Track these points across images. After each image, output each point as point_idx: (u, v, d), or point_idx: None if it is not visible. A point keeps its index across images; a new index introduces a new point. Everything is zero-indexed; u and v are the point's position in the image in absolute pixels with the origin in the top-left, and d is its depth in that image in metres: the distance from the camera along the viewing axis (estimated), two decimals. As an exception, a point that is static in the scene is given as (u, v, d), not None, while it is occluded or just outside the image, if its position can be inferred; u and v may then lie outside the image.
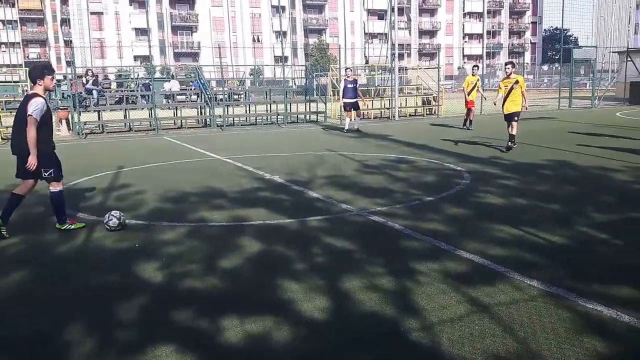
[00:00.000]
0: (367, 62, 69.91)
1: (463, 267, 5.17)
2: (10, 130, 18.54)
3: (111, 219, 6.69)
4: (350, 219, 7.07)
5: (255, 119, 23.79)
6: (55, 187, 6.70)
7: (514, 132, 12.59)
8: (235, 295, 4.73)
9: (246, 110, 24.33)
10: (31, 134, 6.25)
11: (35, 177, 6.60)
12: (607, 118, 21.83)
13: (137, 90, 24.23)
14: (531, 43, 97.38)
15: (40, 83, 6.43)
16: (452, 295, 4.51)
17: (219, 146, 15.33)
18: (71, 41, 40.41)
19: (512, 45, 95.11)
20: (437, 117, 25.06)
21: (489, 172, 10.17)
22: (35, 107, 6.25)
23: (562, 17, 28.47)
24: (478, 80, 18.67)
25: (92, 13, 73.54)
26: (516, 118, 12.58)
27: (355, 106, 18.78)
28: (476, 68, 19.47)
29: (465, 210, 7.35)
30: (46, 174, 6.56)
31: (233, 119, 22.94)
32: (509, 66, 12.69)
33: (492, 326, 3.94)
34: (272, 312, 4.30)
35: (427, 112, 26.58)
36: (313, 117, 24.39)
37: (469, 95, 18.52)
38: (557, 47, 36.50)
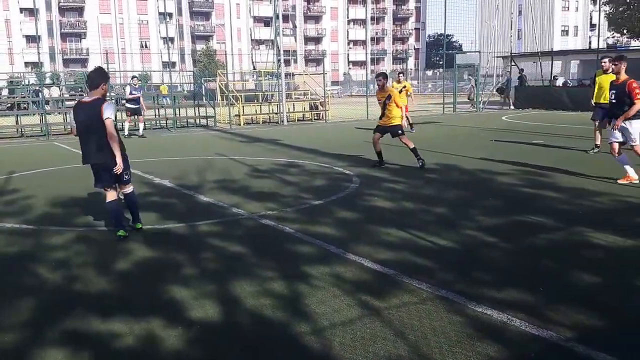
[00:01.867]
0: (254, 67, 69.79)
1: (353, 271, 5.19)
2: None
3: None
4: (241, 223, 6.98)
5: (144, 124, 23.02)
6: (129, 188, 6.61)
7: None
8: (123, 301, 4.57)
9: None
10: (116, 136, 6.16)
11: (115, 183, 6.42)
12: (493, 122, 22.34)
13: (29, 97, 23.61)
14: (415, 49, 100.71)
15: (103, 87, 6.31)
16: (343, 299, 4.51)
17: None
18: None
19: (396, 51, 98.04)
20: (325, 122, 25.37)
21: (377, 176, 10.32)
22: (112, 110, 6.20)
23: (445, 22, 29.43)
24: (404, 86, 18.30)
25: (-20, 20, 69.66)
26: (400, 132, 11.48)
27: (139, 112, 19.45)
28: (401, 75, 19.32)
29: (354, 213, 7.42)
30: (126, 177, 6.45)
31: (122, 123, 22.08)
32: (381, 78, 11.34)
33: (383, 330, 3.96)
34: (161, 318, 4.18)
35: (315, 117, 26.85)
36: (203, 121, 23.96)
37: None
38: (441, 52, 37.70)
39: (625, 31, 34.35)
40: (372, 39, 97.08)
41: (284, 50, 24.14)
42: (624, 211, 7.42)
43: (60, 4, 74.76)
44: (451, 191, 8.95)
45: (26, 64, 68.74)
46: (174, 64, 70.56)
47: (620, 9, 33.57)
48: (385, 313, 4.24)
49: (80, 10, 76.36)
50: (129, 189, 6.59)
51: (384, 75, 11.42)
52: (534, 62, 33.79)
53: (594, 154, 12.26)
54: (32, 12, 68.53)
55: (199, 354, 3.71)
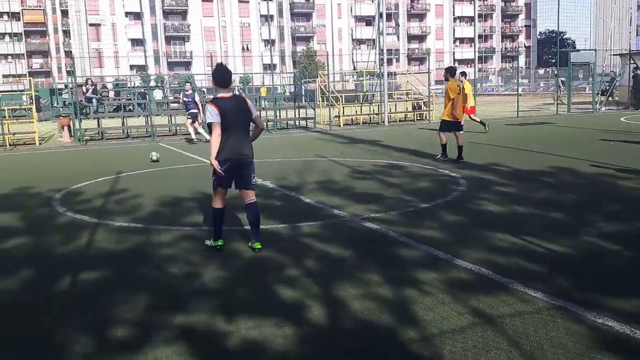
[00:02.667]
0: (355, 68, 69.87)
1: (463, 277, 4.96)
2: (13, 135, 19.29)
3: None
4: (343, 225, 6.89)
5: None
6: (254, 196, 6.09)
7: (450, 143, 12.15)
8: (230, 300, 4.61)
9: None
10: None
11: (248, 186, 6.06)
12: (611, 123, 21.04)
13: (134, 99, 24.72)
14: (525, 47, 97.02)
15: (232, 86, 6.13)
16: (453, 306, 4.30)
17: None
18: (71, 52, 40.89)
19: (505, 49, 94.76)
20: (428, 122, 24.91)
21: (485, 178, 9.93)
22: (254, 106, 6.21)
23: (558, 19, 28.05)
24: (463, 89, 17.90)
25: (90, 25, 74.80)
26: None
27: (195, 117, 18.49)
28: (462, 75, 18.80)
29: (463, 217, 7.14)
30: (254, 181, 6.19)
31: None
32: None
33: (496, 339, 3.74)
34: (267, 318, 4.18)
35: (418, 118, 26.46)
36: (303, 123, 24.22)
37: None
38: (554, 50, 35.97)
39: None
40: (480, 36, 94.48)
41: (386, 49, 23.94)
42: None
43: (165, 7, 77.86)
44: (566, 195, 8.46)
45: (131, 66, 72.12)
46: (274, 65, 72.06)
47: None
48: (498, 321, 4.01)
49: (183, 14, 79.32)
50: (253, 196, 6.09)
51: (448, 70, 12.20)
52: None
53: None
54: (137, 16, 72.13)
55: (305, 356, 3.66)
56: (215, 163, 5.74)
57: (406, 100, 27.66)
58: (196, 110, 18.10)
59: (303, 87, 28.30)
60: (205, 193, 8.71)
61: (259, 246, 5.85)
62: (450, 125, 12.09)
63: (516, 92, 30.74)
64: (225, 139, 5.81)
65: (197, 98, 18.62)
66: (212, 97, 6.20)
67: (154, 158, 13.00)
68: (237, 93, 6.46)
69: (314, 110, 24.17)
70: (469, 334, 3.82)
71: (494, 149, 13.90)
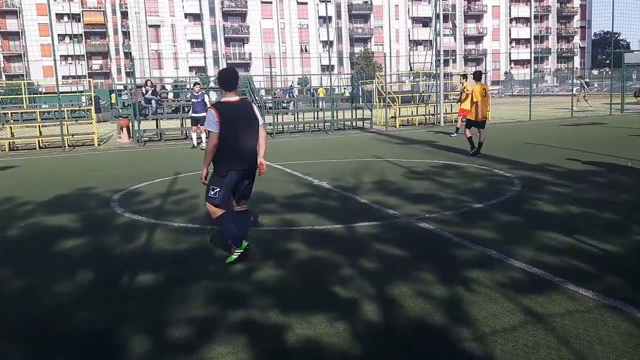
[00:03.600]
0: (411, 69, 69.49)
1: (515, 276, 5.06)
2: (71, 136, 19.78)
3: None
4: (398, 225, 7.02)
5: (303, 126, 23.90)
6: (247, 205, 5.97)
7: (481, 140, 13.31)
8: (286, 298, 4.74)
9: (294, 118, 24.49)
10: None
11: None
12: None
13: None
14: (580, 47, 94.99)
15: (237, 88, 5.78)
16: (504, 305, 4.41)
17: (267, 153, 15.38)
18: (130, 53, 41.73)
19: (560, 49, 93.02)
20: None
21: (539, 178, 9.93)
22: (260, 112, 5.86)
23: (612, 20, 27.57)
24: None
25: (150, 26, 75.97)
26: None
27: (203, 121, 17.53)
28: (464, 78, 18.80)
29: (516, 217, 7.20)
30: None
31: (282, 126, 23.13)
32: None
33: (546, 337, 3.84)
34: (322, 316, 4.32)
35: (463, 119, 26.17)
36: (359, 123, 24.35)
37: (462, 103, 18.33)
38: (608, 51, 35.46)
39: None
40: (536, 37, 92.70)
41: (443, 50, 23.85)
42: None
43: (224, 9, 78.67)
44: (620, 195, 8.45)
45: (190, 68, 72.55)
46: (332, 67, 72.29)
47: None
48: (548, 320, 4.10)
49: (243, 16, 79.99)
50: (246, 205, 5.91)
51: (465, 77, 14.91)
52: None
53: None
54: (196, 17, 72.77)
55: (359, 354, 3.79)
56: (204, 176, 5.68)
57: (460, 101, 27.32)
58: (200, 114, 16.66)
59: (360, 88, 28.36)
60: (262, 193, 9.02)
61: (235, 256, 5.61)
62: (477, 124, 13.35)
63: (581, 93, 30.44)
64: (229, 147, 5.45)
65: (206, 99, 17.67)
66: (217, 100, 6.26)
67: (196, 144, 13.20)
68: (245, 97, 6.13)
69: (371, 111, 24.27)
70: (520, 333, 3.93)
71: (547, 149, 13.78)
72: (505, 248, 5.85)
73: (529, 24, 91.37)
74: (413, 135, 19.80)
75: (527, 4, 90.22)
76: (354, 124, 24.34)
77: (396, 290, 4.80)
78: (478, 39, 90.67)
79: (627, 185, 9.23)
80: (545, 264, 5.31)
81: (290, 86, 40.28)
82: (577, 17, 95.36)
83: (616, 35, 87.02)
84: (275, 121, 22.48)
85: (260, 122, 5.71)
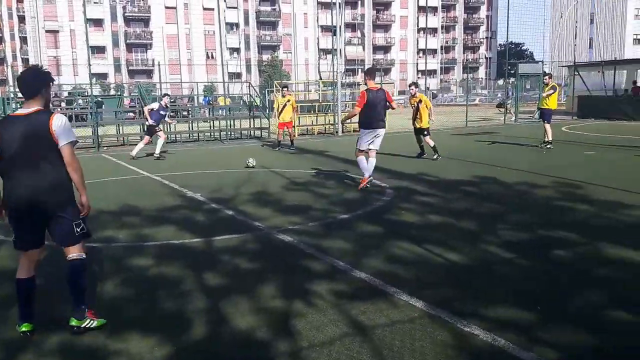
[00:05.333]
0: (320, 77, 70.17)
1: (354, 287, 5.16)
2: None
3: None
4: (257, 238, 7.01)
5: (198, 135, 23.58)
6: (81, 252, 4.32)
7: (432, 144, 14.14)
8: (113, 317, 4.57)
9: (189, 127, 24.07)
10: (79, 167, 4.21)
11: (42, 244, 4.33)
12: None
13: (88, 108, 23.90)
14: (486, 58, 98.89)
15: (44, 94, 4.25)
16: (332, 317, 4.50)
17: (153, 163, 15.09)
18: (28, 59, 39.86)
19: (466, 60, 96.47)
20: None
21: (412, 188, 10.22)
22: (69, 130, 4.17)
23: (507, 31, 28.93)
24: (288, 101, 18.07)
25: (47, 31, 72.94)
26: (426, 132, 14.39)
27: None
28: (285, 89, 19.04)
29: (376, 227, 7.36)
30: (79, 230, 4.25)
31: (175, 135, 22.72)
32: (412, 87, 14.67)
33: (361, 350, 3.93)
34: (153, 334, 4.25)
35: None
36: (257, 132, 24.26)
37: (279, 116, 18.06)
38: (511, 61, 37.26)
39: None
40: (442, 47, 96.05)
41: (350, 59, 24.20)
42: None
43: (126, 14, 76.45)
44: (485, 204, 8.82)
45: (91, 74, 70.57)
46: (239, 74, 71.97)
47: None
48: (370, 332, 4.21)
49: (146, 21, 77.93)
50: (78, 253, 4.28)
51: (416, 85, 14.72)
52: (599, 72, 33.22)
53: None
54: (97, 22, 71.38)
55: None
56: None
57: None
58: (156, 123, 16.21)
59: (259, 97, 28.28)
60: (128, 206, 8.78)
61: (78, 324, 4.23)
62: (423, 130, 14.38)
63: (475, 102, 31.74)
64: (6, 177, 4.14)
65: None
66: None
67: (251, 164, 13.15)
68: (51, 109, 4.69)
69: (268, 120, 24.19)
70: (336, 346, 3.99)
71: (430, 159, 14.14)
72: (355, 259, 5.96)
73: (436, 34, 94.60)
74: (309, 144, 19.92)
75: (434, 15, 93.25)
76: (251, 133, 24.23)
77: (232, 306, 4.76)
78: (386, 48, 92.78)
79: (494, 195, 9.61)
80: (387, 275, 5.45)
81: (205, 95, 39.50)
82: (482, 28, 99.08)
83: (520, 46, 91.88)
84: (168, 130, 22.07)
85: (63, 142, 4.09)
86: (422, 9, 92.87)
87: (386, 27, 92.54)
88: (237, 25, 78.93)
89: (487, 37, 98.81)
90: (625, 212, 7.91)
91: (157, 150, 16.04)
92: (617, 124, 25.63)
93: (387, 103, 10.28)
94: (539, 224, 7.39)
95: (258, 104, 29.21)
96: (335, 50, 26.17)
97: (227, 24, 77.39)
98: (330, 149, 17.54)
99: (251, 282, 5.34)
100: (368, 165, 10.15)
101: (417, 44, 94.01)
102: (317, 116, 26.26)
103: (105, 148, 20.30)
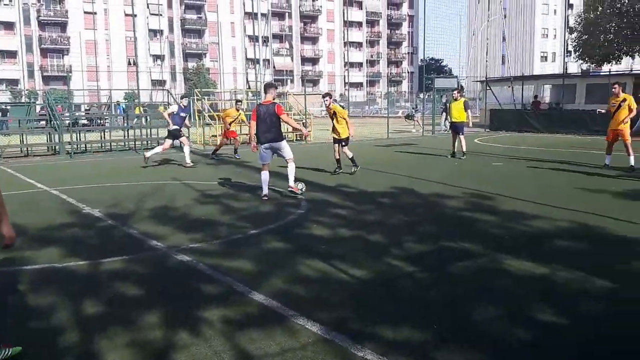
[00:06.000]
0: (249, 87, 69.65)
1: (249, 312, 4.77)
2: None
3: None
4: (153, 259, 6.48)
5: (111, 145, 22.55)
6: None
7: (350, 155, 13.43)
8: None
9: (101, 137, 23.00)
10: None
11: None
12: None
13: None
14: (409, 72, 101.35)
15: None
16: (216, 348, 4.08)
17: (54, 176, 14.02)
18: None
19: (390, 74, 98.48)
20: (306, 143, 24.92)
21: (328, 200, 9.95)
22: None
23: (424, 47, 29.58)
24: (241, 114, 18.71)
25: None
26: (344, 143, 13.49)
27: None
28: (239, 103, 19.13)
29: (285, 244, 6.99)
30: None
31: (85, 145, 21.63)
32: (327, 98, 13.40)
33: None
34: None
35: (298, 138, 26.41)
36: (176, 142, 23.38)
37: (230, 125, 18.51)
38: (427, 76, 38.65)
39: (587, 58, 35.30)
40: (368, 61, 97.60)
41: (279, 70, 23.87)
42: (550, 236, 7.24)
43: (41, 18, 72.44)
44: (396, 216, 8.64)
45: (0, 80, 67.13)
46: (163, 82, 70.28)
47: (583, 37, 34.46)
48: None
49: (63, 26, 74.25)
50: None
51: (330, 96, 13.54)
52: (508, 87, 35.58)
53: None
54: (8, 26, 68.29)
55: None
56: None
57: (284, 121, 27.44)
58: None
59: (178, 104, 27.37)
60: (16, 224, 8.06)
61: None
62: (341, 141, 13.51)
63: (399, 114, 32.33)
64: None
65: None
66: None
67: (301, 190, 10.61)
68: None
69: (188, 129, 23.31)
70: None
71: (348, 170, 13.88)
72: (255, 280, 5.57)
73: (362, 48, 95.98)
74: (232, 154, 19.33)
75: (359, 29, 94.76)
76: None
77: (105, 340, 4.24)
78: (315, 60, 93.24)
79: (406, 207, 9.45)
80: (286, 296, 5.10)
81: (119, 103, 38.14)
82: (405, 44, 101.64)
83: (439, 62, 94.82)
84: (78, 139, 21.06)
85: None
86: (347, 23, 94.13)
87: (314, 40, 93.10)
88: (161, 32, 77.14)
89: (409, 53, 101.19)
90: (527, 222, 7.95)
91: (188, 160, 15.83)
92: (525, 135, 26.97)
93: (278, 117, 10.15)
94: (444, 235, 7.32)
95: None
96: (258, 60, 25.80)
97: (150, 30, 75.42)
98: (251, 160, 17.05)
99: (134, 310, 4.82)
100: (288, 170, 10.43)
101: (344, 57, 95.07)
102: (240, 126, 25.72)
103: (3, 160, 18.80)
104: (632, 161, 13.07)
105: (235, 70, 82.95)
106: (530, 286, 5.33)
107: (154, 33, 75.29)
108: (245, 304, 4.95)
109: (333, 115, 13.45)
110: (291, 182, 10.37)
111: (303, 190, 10.41)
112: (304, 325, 4.42)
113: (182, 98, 16.73)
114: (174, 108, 16.18)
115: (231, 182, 12.43)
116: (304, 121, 26.72)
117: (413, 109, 39.28)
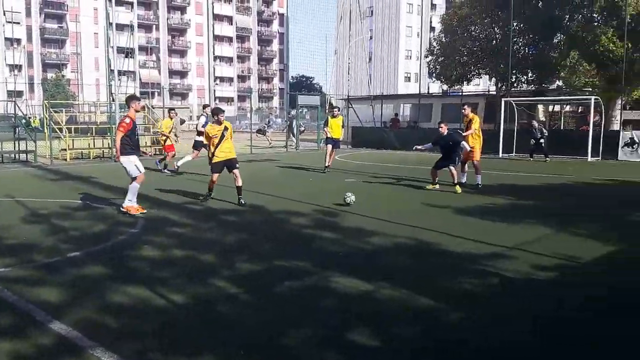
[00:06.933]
0: (113, 99, 66.87)
1: (42, 344, 4.35)
2: None
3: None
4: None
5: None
6: None
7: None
8: None
9: None
10: None
11: None
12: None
13: None
14: (280, 88, 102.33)
15: None
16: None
17: None
18: None
19: (261, 89, 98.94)
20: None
21: (168, 218, 9.59)
22: None
23: (289, 64, 29.94)
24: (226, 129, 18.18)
25: None
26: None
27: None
28: (173, 112, 19.31)
29: (105, 268, 6.52)
30: None
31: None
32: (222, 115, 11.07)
33: None
34: None
35: (157, 152, 25.52)
36: (23, 156, 21.88)
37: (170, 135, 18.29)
38: (296, 93, 39.38)
39: (442, 79, 37.61)
40: (239, 77, 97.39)
41: (145, 82, 22.94)
42: (385, 252, 7.35)
43: None
44: (235, 234, 8.49)
45: None
46: (20, 92, 66.00)
47: (440, 59, 36.61)
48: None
49: None
50: None
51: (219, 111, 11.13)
52: (370, 105, 36.85)
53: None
54: None
55: None
56: None
57: (146, 135, 26.42)
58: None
59: (26, 117, 25.74)
60: None
61: None
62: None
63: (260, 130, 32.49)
64: None
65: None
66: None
67: (349, 201, 10.56)
68: None
69: (35, 142, 21.82)
70: None
71: (202, 186, 13.35)
72: (61, 308, 5.12)
73: (232, 63, 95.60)
74: (79, 170, 18.29)
75: (230, 44, 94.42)
76: (16, 156, 21.83)
77: None
78: (183, 74, 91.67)
79: (249, 224, 9.31)
80: (91, 325, 4.73)
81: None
82: (276, 60, 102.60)
83: (310, 79, 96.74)
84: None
85: None
86: (217, 38, 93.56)
87: (182, 53, 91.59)
88: (18, 41, 72.54)
89: (280, 69, 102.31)
90: (366, 239, 8.01)
91: (180, 163, 16.50)
92: (384, 152, 27.91)
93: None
94: (279, 254, 7.22)
95: (36, 125, 26.68)
96: (120, 72, 24.78)
97: (6, 39, 70.81)
98: (98, 175, 16.20)
99: None
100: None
101: (214, 71, 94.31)
102: (94, 139, 24.51)
103: None
104: (479, 180, 13.75)
105: (99, 81, 79.62)
106: (353, 305, 5.30)
107: (10, 42, 70.83)
108: (42, 335, 4.51)
109: (225, 131, 11.02)
110: (126, 201, 9.89)
111: (352, 201, 10.54)
112: (99, 358, 4.08)
113: (204, 108, 17.26)
114: (202, 120, 16.28)
115: (73, 199, 11.63)
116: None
117: (265, 124, 41.38)
